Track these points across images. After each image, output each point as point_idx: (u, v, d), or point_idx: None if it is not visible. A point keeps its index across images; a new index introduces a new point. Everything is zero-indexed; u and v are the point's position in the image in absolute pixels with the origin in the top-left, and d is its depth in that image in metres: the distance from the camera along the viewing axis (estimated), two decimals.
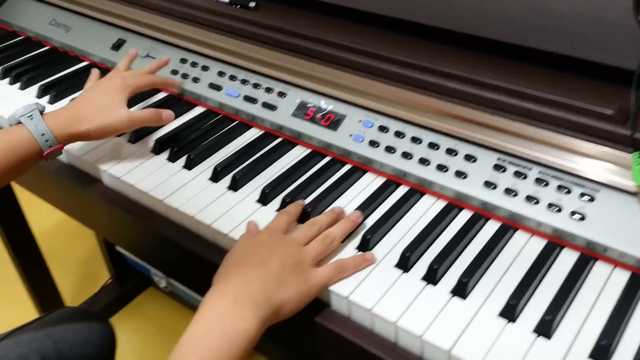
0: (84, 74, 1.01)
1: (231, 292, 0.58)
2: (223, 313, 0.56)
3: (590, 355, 0.55)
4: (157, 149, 0.84)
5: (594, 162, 0.65)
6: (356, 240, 0.68)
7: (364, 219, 0.70)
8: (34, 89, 0.99)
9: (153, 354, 1.54)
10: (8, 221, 1.40)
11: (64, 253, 1.83)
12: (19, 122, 0.73)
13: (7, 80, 1.02)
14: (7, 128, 0.74)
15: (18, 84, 1.00)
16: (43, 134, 0.73)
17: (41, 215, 1.76)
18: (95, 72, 0.90)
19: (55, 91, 0.96)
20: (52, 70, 1.03)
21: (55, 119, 0.75)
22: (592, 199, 0.65)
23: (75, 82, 0.99)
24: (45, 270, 1.53)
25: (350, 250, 0.67)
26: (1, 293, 1.71)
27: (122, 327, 1.61)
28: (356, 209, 0.71)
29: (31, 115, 0.73)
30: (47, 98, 0.97)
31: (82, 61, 1.06)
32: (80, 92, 0.86)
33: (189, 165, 0.80)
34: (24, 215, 1.43)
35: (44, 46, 1.12)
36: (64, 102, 0.95)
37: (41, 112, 0.75)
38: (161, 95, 0.96)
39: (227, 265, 0.62)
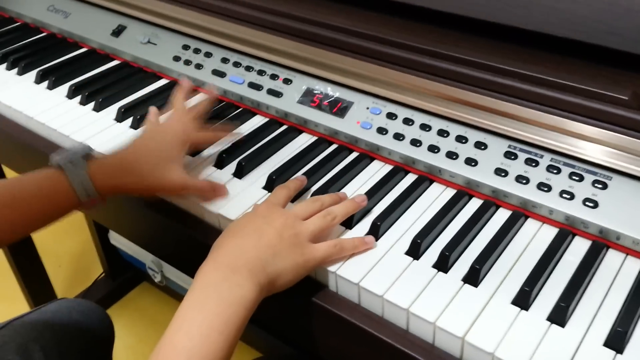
0: (83, 60, 1.01)
1: (226, 260, 0.57)
2: (219, 280, 0.55)
3: (605, 344, 0.54)
4: None
5: (607, 148, 0.64)
6: (366, 227, 0.66)
7: (373, 206, 0.69)
8: (32, 74, 0.97)
9: (146, 348, 1.52)
10: None
11: (56, 246, 1.81)
12: (59, 167, 0.65)
13: (4, 65, 1.00)
14: (48, 172, 0.66)
15: (16, 70, 0.98)
16: (83, 185, 0.65)
17: None
18: (153, 111, 0.79)
19: (54, 77, 0.94)
20: (51, 56, 1.01)
21: (100, 167, 0.66)
22: (605, 186, 0.64)
23: (75, 68, 0.97)
24: (38, 263, 1.51)
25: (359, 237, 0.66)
26: None
27: (115, 322, 1.56)
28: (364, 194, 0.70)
29: (73, 161, 0.65)
30: (45, 84, 0.95)
31: (81, 47, 1.04)
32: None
33: (193, 152, 0.79)
34: None
35: (42, 32, 1.10)
36: (64, 88, 0.93)
37: (85, 157, 0.67)
38: (162, 82, 0.94)
39: (223, 236, 0.61)
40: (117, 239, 1.57)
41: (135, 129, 0.84)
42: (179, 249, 0.78)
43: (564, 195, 0.65)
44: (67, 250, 1.82)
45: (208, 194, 0.71)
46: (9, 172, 1.13)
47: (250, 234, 0.60)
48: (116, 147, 0.72)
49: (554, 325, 0.55)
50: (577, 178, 0.65)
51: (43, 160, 0.84)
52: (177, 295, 1.58)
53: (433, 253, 0.63)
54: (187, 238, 0.72)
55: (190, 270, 0.86)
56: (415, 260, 0.63)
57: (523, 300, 0.57)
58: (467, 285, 0.60)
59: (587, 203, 0.64)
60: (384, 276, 0.61)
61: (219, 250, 0.59)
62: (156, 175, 0.68)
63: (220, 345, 0.52)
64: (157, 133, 0.73)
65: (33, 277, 1.50)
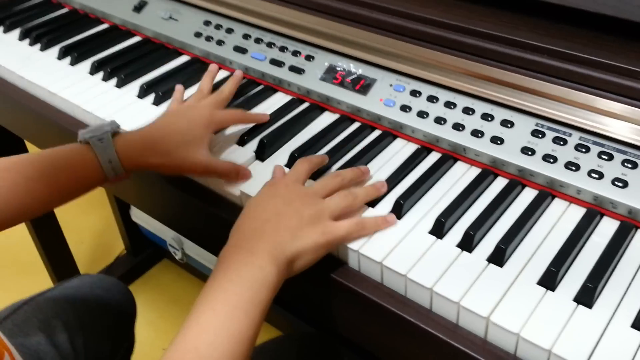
0: (105, 35, 1.01)
1: (246, 245, 0.57)
2: (240, 264, 0.55)
3: (633, 325, 0.53)
4: None
5: (638, 127, 0.63)
6: (389, 205, 0.66)
7: (396, 184, 0.69)
8: (54, 50, 0.97)
9: (167, 324, 1.54)
10: None
11: (79, 223, 1.83)
12: (87, 142, 0.67)
13: (27, 41, 1.00)
14: (76, 146, 0.67)
15: (38, 45, 0.99)
16: (110, 161, 0.66)
17: None
18: (179, 89, 0.81)
19: (77, 53, 0.94)
20: (73, 31, 1.01)
21: (127, 144, 0.67)
22: (635, 166, 0.62)
23: (97, 45, 0.97)
24: (61, 239, 1.53)
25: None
26: (19, 261, 1.72)
27: (137, 298, 1.59)
28: (389, 175, 0.69)
29: (102, 138, 0.66)
30: (67, 60, 0.95)
31: (103, 23, 1.04)
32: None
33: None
34: None
35: (64, 8, 1.10)
36: (86, 64, 0.93)
37: (113, 134, 0.68)
38: (184, 59, 0.94)
39: (242, 219, 0.61)
40: (138, 216, 1.58)
41: (157, 105, 0.84)
42: (200, 225, 0.78)
43: (593, 174, 0.63)
44: (90, 226, 1.84)
45: (231, 176, 0.70)
46: (32, 148, 1.14)
47: (268, 216, 0.60)
48: (140, 123, 0.72)
49: (580, 306, 0.55)
50: (606, 157, 0.64)
51: (66, 136, 0.84)
52: (197, 272, 1.60)
53: (457, 232, 0.62)
54: (209, 215, 0.72)
55: (211, 246, 0.87)
56: (439, 240, 0.62)
57: (549, 280, 0.56)
58: (492, 265, 0.59)
59: (616, 183, 0.62)
60: (407, 255, 0.60)
61: (238, 234, 0.59)
62: (181, 154, 0.68)
63: (246, 324, 0.52)
64: (184, 113, 0.73)
65: (56, 253, 1.52)
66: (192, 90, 0.86)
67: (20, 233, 1.49)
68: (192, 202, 0.74)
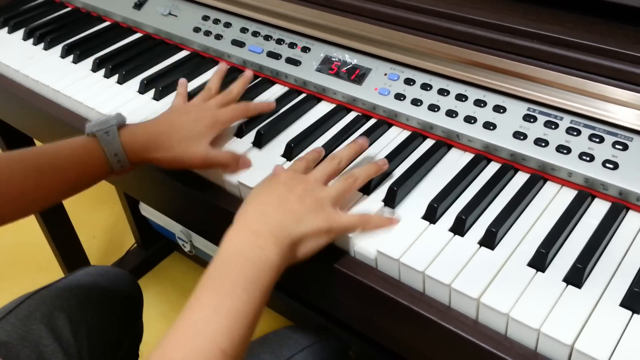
0: (106, 33, 1.02)
1: (249, 227, 0.58)
2: (243, 244, 0.56)
3: (622, 304, 0.54)
4: None
5: (628, 109, 0.63)
6: (382, 192, 0.67)
7: (391, 172, 0.70)
8: (57, 49, 0.99)
9: (178, 316, 1.56)
10: None
11: (90, 218, 1.86)
12: (94, 135, 0.68)
13: (31, 40, 1.02)
14: (82, 139, 0.69)
15: (42, 45, 1.00)
16: (116, 154, 0.68)
17: None
18: (182, 83, 0.83)
19: (79, 51, 0.96)
20: (75, 30, 1.03)
21: (132, 137, 0.69)
22: (625, 148, 0.63)
23: (99, 42, 0.99)
24: (72, 234, 1.55)
25: (376, 202, 0.66)
26: (31, 257, 1.75)
27: (148, 291, 1.62)
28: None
29: (108, 132, 0.68)
30: (70, 58, 0.96)
31: (105, 21, 1.06)
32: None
33: None
34: None
35: (67, 7, 1.11)
36: (88, 61, 0.95)
37: (119, 127, 0.69)
38: (184, 54, 0.95)
39: (245, 205, 0.61)
40: (147, 210, 1.61)
41: (158, 100, 0.86)
42: (204, 218, 0.80)
43: (584, 157, 0.64)
44: (101, 222, 1.87)
45: (231, 166, 0.72)
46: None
47: (272, 200, 0.61)
48: (140, 118, 0.74)
49: (570, 286, 0.56)
50: (597, 140, 0.64)
51: (72, 133, 0.85)
52: (206, 264, 1.61)
53: (450, 217, 0.63)
54: (211, 207, 0.74)
55: (216, 238, 0.88)
56: (431, 225, 0.63)
57: (539, 261, 0.57)
58: (483, 248, 0.60)
59: (607, 165, 0.63)
60: (400, 240, 0.61)
61: (242, 217, 0.60)
62: (182, 149, 0.70)
63: (245, 301, 0.53)
64: (190, 111, 0.75)
65: (68, 249, 1.55)
66: (194, 83, 0.87)
67: (34, 231, 1.52)
68: (195, 195, 0.75)
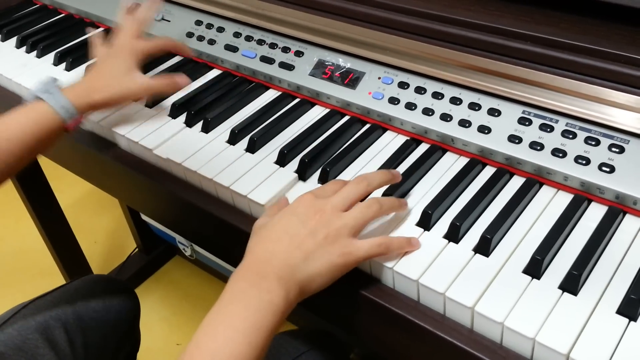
0: None
1: (255, 267, 0.56)
2: (247, 287, 0.54)
3: (618, 311, 0.53)
4: (174, 113, 0.83)
5: (624, 111, 0.62)
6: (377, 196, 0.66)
7: None
8: (50, 56, 0.98)
9: (180, 320, 1.56)
10: (35, 194, 1.41)
11: (91, 224, 1.86)
12: (38, 98, 0.73)
13: (23, 48, 1.02)
14: (27, 105, 0.74)
15: (35, 52, 1.00)
16: (63, 106, 0.73)
17: (67, 187, 1.78)
18: (96, 35, 0.88)
19: (72, 58, 0.95)
20: (68, 37, 1.02)
21: (73, 91, 0.75)
22: (622, 150, 0.62)
23: None
24: (73, 241, 1.55)
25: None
26: (33, 264, 1.75)
27: (150, 295, 1.63)
28: (379, 168, 0.70)
29: (50, 91, 0.73)
30: (63, 65, 0.96)
31: (98, 27, 1.05)
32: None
33: (206, 128, 0.79)
34: (51, 188, 1.45)
35: (60, 13, 1.11)
36: (81, 68, 0.95)
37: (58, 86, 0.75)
38: (177, 59, 0.95)
39: (254, 237, 0.59)
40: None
41: (151, 107, 0.85)
42: (195, 224, 0.79)
43: (580, 160, 0.63)
44: (102, 227, 1.87)
45: (171, 86, 0.81)
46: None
47: (281, 237, 0.57)
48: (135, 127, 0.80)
49: (566, 294, 0.55)
50: (593, 142, 0.63)
51: (66, 137, 0.86)
52: (207, 267, 1.62)
53: (444, 224, 0.62)
54: (202, 214, 0.73)
55: (209, 245, 0.88)
56: (426, 232, 0.62)
57: (534, 268, 0.57)
58: (478, 255, 0.59)
59: (603, 168, 0.62)
60: None
61: (250, 255, 0.58)
62: (118, 82, 0.77)
63: (245, 349, 0.50)
64: (108, 53, 0.82)
65: (69, 254, 1.55)
66: (187, 89, 0.86)
67: (35, 237, 1.52)
68: (190, 205, 0.75)
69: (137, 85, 0.78)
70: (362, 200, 0.61)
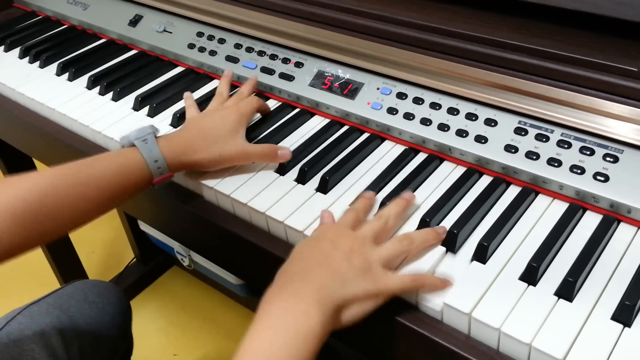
0: (102, 50, 1.03)
1: (291, 289, 0.54)
2: (284, 310, 0.52)
3: (613, 317, 0.54)
4: (176, 124, 0.84)
5: (618, 121, 0.63)
6: (374, 208, 0.67)
7: (383, 187, 0.70)
8: (53, 67, 1.00)
9: (177, 330, 1.56)
10: None
11: (89, 234, 1.86)
12: (133, 145, 0.68)
13: (27, 59, 1.03)
14: (120, 150, 0.70)
15: (38, 63, 1.01)
16: (156, 161, 0.68)
17: None
18: (188, 95, 0.84)
19: (75, 68, 0.96)
20: (71, 48, 1.04)
21: (169, 144, 0.69)
22: (616, 160, 0.63)
23: (94, 60, 1.00)
24: (71, 250, 1.56)
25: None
26: (31, 273, 1.75)
27: (147, 305, 1.63)
28: (377, 176, 0.71)
29: (146, 139, 0.68)
30: (66, 76, 0.97)
31: (101, 38, 1.06)
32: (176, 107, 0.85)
33: None
34: None
35: (63, 25, 1.12)
36: (84, 79, 0.96)
37: (155, 136, 0.70)
38: (178, 70, 0.96)
39: (289, 260, 0.58)
40: (146, 225, 1.61)
41: (152, 117, 0.86)
42: (193, 232, 0.80)
43: (575, 170, 0.64)
44: (100, 236, 1.87)
45: (270, 156, 0.74)
46: (40, 166, 1.16)
47: (316, 258, 0.56)
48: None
49: (561, 300, 0.55)
50: (587, 152, 0.65)
51: (67, 151, 0.87)
52: (205, 278, 1.62)
53: None
54: (199, 219, 0.74)
55: (213, 256, 0.88)
56: None
57: (530, 275, 0.57)
58: (475, 263, 0.60)
59: (597, 177, 0.63)
60: None
61: (284, 276, 0.56)
62: (220, 147, 0.72)
63: None
64: (214, 114, 0.77)
65: (66, 264, 1.55)
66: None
67: None
68: (188, 212, 0.75)
69: (236, 150, 0.72)
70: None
